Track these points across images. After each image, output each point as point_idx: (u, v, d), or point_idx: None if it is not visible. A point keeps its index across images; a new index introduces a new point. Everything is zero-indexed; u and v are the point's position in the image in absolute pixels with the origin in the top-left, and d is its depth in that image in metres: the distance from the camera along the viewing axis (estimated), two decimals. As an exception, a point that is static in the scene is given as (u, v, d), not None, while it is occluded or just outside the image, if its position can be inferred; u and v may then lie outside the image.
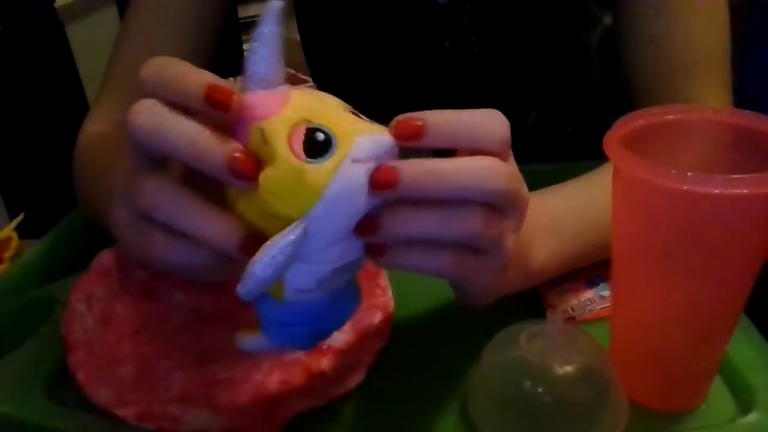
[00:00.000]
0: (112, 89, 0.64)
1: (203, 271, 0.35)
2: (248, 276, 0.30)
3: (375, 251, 0.33)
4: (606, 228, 0.41)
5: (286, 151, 0.30)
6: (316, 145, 0.30)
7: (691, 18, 0.58)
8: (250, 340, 0.36)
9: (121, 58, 0.64)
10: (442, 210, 0.32)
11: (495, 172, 0.33)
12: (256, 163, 0.31)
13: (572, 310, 0.48)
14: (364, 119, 0.33)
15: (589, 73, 0.74)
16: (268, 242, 0.30)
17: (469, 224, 0.33)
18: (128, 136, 0.33)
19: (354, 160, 0.30)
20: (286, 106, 0.31)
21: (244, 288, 0.31)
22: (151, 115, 0.32)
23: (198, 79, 0.31)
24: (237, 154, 0.30)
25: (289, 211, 0.31)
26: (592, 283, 0.50)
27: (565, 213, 0.47)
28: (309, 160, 0.30)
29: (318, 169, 0.30)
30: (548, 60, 0.69)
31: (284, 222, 0.31)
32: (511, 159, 0.35)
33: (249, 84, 0.32)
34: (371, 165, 0.31)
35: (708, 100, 0.57)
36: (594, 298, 0.49)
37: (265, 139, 0.31)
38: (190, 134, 0.31)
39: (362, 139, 0.31)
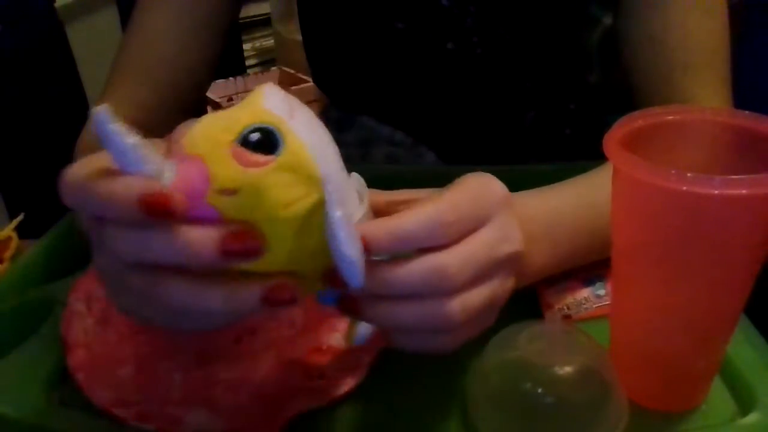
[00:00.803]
0: (118, 86, 0.64)
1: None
2: (349, 266, 0.31)
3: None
4: (603, 227, 0.41)
5: (258, 172, 0.30)
6: (261, 143, 0.30)
7: (690, 17, 0.58)
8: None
9: (128, 55, 0.64)
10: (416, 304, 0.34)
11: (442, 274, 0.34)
12: (249, 228, 0.30)
13: (568, 308, 0.48)
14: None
15: (584, 75, 0.74)
16: (331, 226, 0.31)
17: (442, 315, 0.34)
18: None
19: (290, 122, 0.31)
20: (202, 157, 0.30)
21: (355, 279, 0.31)
22: (127, 241, 0.30)
23: (126, 195, 0.28)
24: (231, 242, 0.29)
25: (315, 194, 0.31)
26: (588, 282, 0.49)
27: (561, 212, 0.47)
28: (275, 155, 0.30)
29: (290, 151, 0.30)
30: (546, 61, 0.70)
31: (314, 230, 0.31)
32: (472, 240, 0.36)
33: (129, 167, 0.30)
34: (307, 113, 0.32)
35: (708, 98, 0.57)
36: (590, 297, 0.49)
37: (232, 191, 0.29)
38: (176, 247, 0.29)
39: (270, 101, 0.31)
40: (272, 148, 0.30)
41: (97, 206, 0.30)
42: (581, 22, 0.70)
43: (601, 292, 0.49)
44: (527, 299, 0.48)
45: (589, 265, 0.49)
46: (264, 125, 0.30)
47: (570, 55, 0.71)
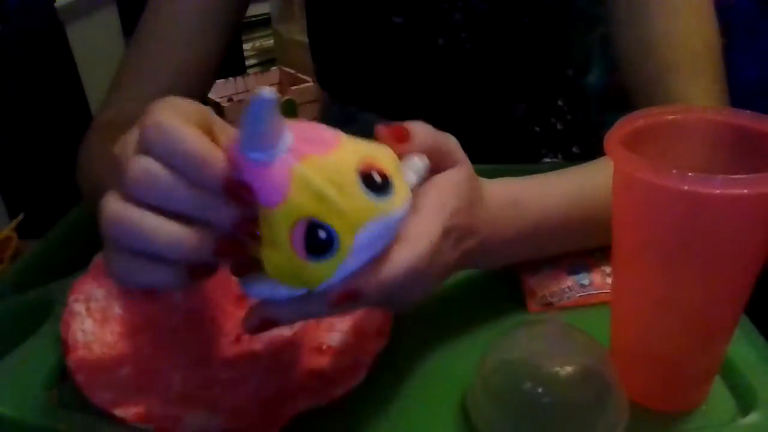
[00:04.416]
0: (125, 83, 0.65)
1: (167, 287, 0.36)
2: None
3: None
4: (577, 215, 0.44)
5: (288, 246, 0.31)
6: (318, 243, 0.31)
7: (678, 20, 0.59)
8: (258, 283, 0.34)
9: (136, 52, 0.65)
10: None
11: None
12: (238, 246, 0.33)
13: (551, 296, 0.48)
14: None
15: (568, 71, 0.75)
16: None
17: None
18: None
19: (355, 251, 0.32)
20: (290, 193, 0.31)
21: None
22: (133, 223, 0.32)
23: (216, 170, 0.32)
24: (221, 246, 0.32)
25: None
26: (573, 271, 0.50)
27: (526, 194, 0.46)
28: (310, 257, 0.31)
29: (318, 267, 0.32)
30: (531, 56, 0.71)
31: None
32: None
33: (247, 150, 0.31)
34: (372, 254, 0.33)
35: (701, 98, 0.58)
36: (573, 286, 0.49)
37: (267, 224, 0.32)
38: (175, 238, 0.32)
39: (363, 235, 0.32)
40: (314, 252, 0.32)
41: (189, 166, 0.32)
42: (563, 19, 0.71)
43: (585, 281, 0.49)
44: (510, 286, 0.49)
45: (575, 253, 0.49)
46: (334, 235, 0.32)
47: (554, 51, 0.72)
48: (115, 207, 0.33)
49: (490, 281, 0.51)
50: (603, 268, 0.50)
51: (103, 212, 0.33)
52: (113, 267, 0.34)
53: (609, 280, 0.49)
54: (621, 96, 0.65)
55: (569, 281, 0.49)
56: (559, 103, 0.76)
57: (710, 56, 0.59)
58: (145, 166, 0.32)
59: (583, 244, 0.50)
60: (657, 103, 0.58)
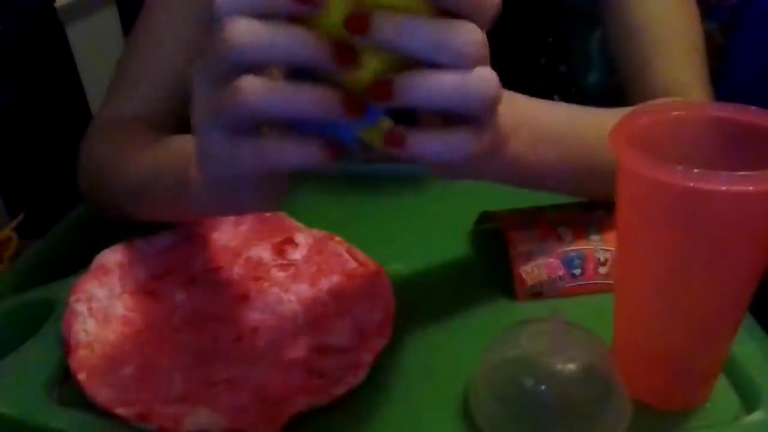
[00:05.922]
0: (122, 88, 0.65)
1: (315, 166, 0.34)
2: None
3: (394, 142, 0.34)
4: (587, 145, 0.45)
5: None
6: None
7: (667, 9, 0.63)
8: None
9: (131, 57, 0.65)
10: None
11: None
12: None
13: (540, 286, 0.48)
14: None
15: (561, 68, 0.76)
16: None
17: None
18: (214, 58, 0.35)
19: None
20: None
21: None
22: (251, 34, 0.33)
23: None
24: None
25: None
26: (566, 260, 0.49)
27: (546, 115, 0.47)
28: None
29: None
30: (528, 52, 0.73)
31: None
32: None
33: None
34: None
35: (690, 83, 0.60)
36: (565, 276, 0.49)
37: None
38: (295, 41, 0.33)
39: None
40: None
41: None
42: (555, 16, 0.72)
43: (577, 271, 0.49)
44: (511, 284, 0.48)
45: (567, 242, 0.49)
46: None
47: (550, 47, 0.73)
48: (253, 82, 0.34)
49: (491, 279, 0.51)
50: (597, 256, 0.49)
51: (239, 90, 0.33)
52: (251, 150, 0.33)
53: (601, 270, 0.49)
54: (621, 96, 0.66)
55: (561, 270, 0.49)
56: (556, 98, 0.77)
57: (699, 44, 0.62)
58: (243, 26, 0.33)
59: (599, 183, 0.48)
60: (647, 85, 0.61)
